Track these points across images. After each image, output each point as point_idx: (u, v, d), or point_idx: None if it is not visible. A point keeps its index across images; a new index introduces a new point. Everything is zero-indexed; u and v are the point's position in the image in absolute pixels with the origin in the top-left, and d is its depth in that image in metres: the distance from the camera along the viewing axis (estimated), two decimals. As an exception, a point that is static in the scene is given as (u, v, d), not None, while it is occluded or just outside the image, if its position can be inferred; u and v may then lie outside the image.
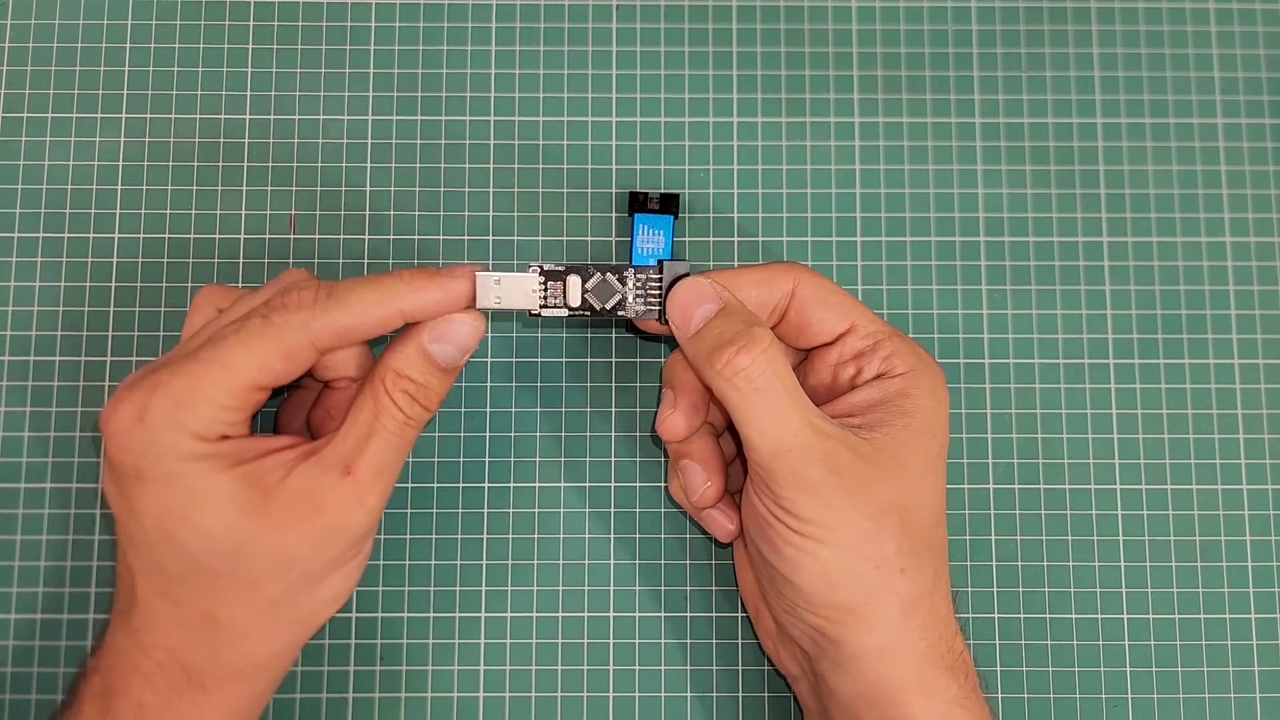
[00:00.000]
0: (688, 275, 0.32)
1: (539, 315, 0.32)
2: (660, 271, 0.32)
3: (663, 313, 0.32)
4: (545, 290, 0.32)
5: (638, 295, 0.32)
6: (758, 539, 0.32)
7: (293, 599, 0.30)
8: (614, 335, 0.39)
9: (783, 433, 0.30)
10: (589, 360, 0.38)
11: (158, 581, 0.30)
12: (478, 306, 0.31)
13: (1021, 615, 0.37)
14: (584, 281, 0.31)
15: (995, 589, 0.37)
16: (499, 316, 0.39)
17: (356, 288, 0.30)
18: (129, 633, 0.30)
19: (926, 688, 0.30)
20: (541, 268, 0.31)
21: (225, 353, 0.29)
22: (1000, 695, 0.37)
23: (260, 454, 0.30)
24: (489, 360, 0.38)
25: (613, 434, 0.38)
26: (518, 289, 0.31)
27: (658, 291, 0.32)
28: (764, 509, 0.31)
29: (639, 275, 0.32)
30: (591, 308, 0.32)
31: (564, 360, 0.38)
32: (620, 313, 0.32)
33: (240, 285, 0.38)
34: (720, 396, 0.31)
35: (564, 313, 0.32)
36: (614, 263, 0.32)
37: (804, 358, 0.35)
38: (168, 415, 0.29)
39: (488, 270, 0.31)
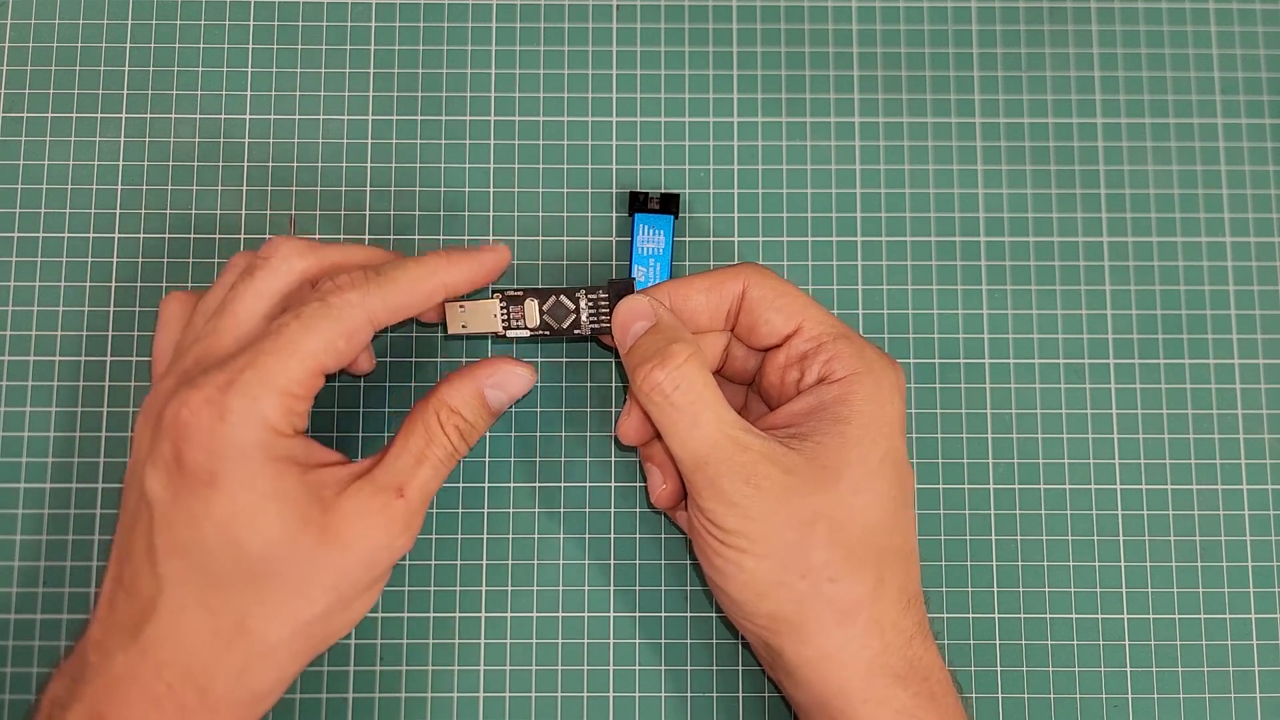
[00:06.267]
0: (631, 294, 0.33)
1: (504, 337, 0.34)
2: (608, 290, 0.34)
3: (602, 332, 0.34)
4: (508, 314, 0.34)
5: (590, 314, 0.34)
6: (696, 549, 0.32)
7: (328, 618, 0.31)
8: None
9: (700, 445, 0.30)
10: (589, 361, 0.38)
11: (197, 589, 0.29)
12: (449, 333, 0.34)
13: (1021, 615, 0.37)
14: (540, 304, 0.34)
15: (995, 589, 0.37)
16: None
17: (402, 264, 0.32)
18: (138, 651, 0.29)
19: (874, 695, 0.30)
20: (503, 293, 0.34)
21: (292, 339, 0.30)
22: (1000, 695, 0.37)
23: (319, 464, 0.31)
24: (489, 360, 0.38)
25: (612, 434, 0.38)
26: (483, 314, 0.34)
27: (608, 309, 0.34)
28: (694, 519, 0.31)
29: (589, 296, 0.34)
30: (550, 327, 0.34)
31: (564, 360, 0.38)
32: (576, 330, 0.34)
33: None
34: (645, 410, 0.31)
35: (525, 334, 0.34)
36: (567, 286, 0.35)
37: (760, 361, 0.35)
38: (248, 411, 0.29)
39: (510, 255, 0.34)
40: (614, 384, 0.38)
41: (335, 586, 0.30)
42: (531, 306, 0.34)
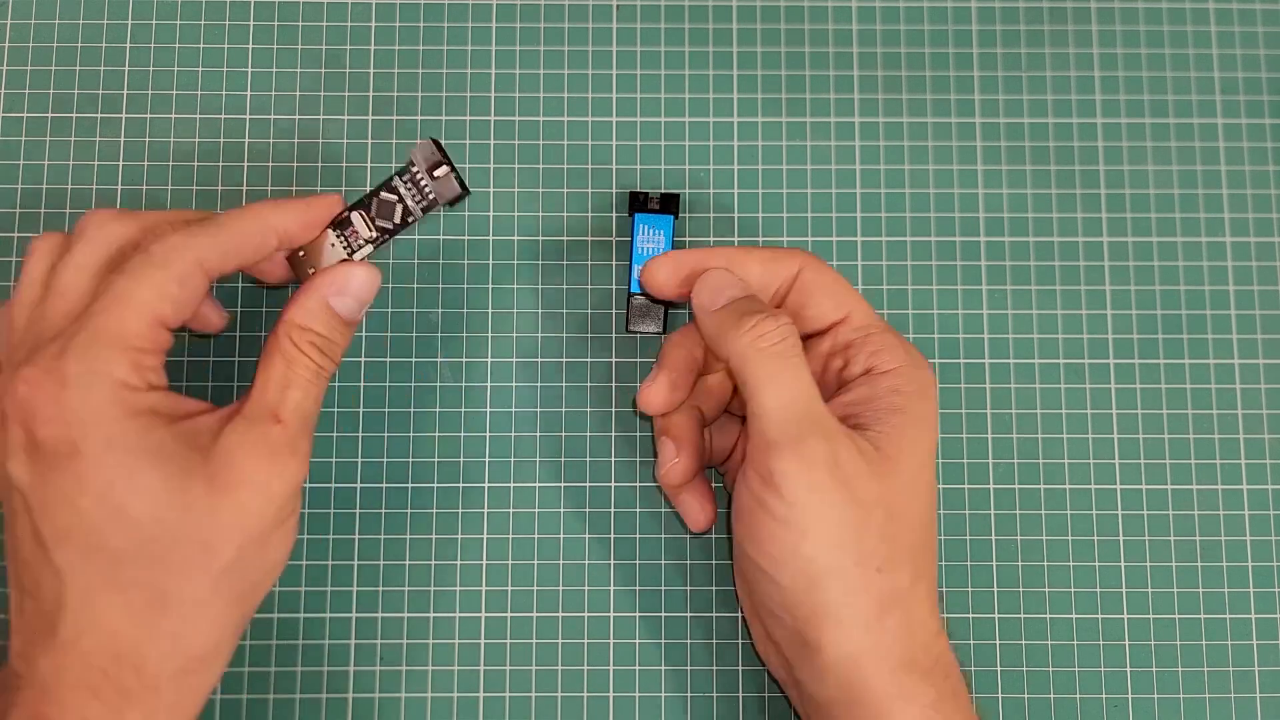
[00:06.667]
0: (449, 167, 0.32)
1: (353, 258, 0.33)
2: (415, 159, 0.33)
3: (433, 204, 0.33)
4: (345, 239, 0.33)
5: (414, 196, 0.33)
6: (744, 535, 0.32)
7: (245, 562, 0.30)
8: (614, 336, 0.39)
9: (798, 398, 0.30)
10: (589, 360, 0.38)
11: (98, 571, 0.28)
12: (301, 282, 0.32)
13: (1021, 615, 0.37)
14: (366, 213, 0.33)
15: (995, 589, 0.37)
16: (502, 319, 0.39)
17: (227, 212, 0.31)
18: (59, 649, 0.28)
19: (904, 691, 0.30)
20: (330, 224, 0.33)
21: (120, 293, 0.29)
22: (1000, 695, 0.37)
23: (186, 415, 0.30)
24: (489, 360, 0.38)
25: (613, 434, 0.38)
26: (320, 250, 0.33)
27: (425, 181, 0.33)
28: (753, 492, 0.31)
29: (403, 179, 0.33)
30: (387, 229, 0.33)
31: (564, 360, 0.38)
32: (410, 219, 0.33)
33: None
34: (739, 362, 0.31)
35: (369, 248, 0.33)
36: (378, 184, 0.33)
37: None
38: (90, 371, 0.28)
39: (343, 199, 0.33)
40: (614, 384, 0.38)
41: (240, 528, 0.29)
42: (359, 219, 0.33)
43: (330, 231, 0.33)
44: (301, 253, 0.33)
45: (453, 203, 0.33)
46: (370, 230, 0.33)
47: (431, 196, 0.33)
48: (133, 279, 0.29)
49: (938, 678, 0.31)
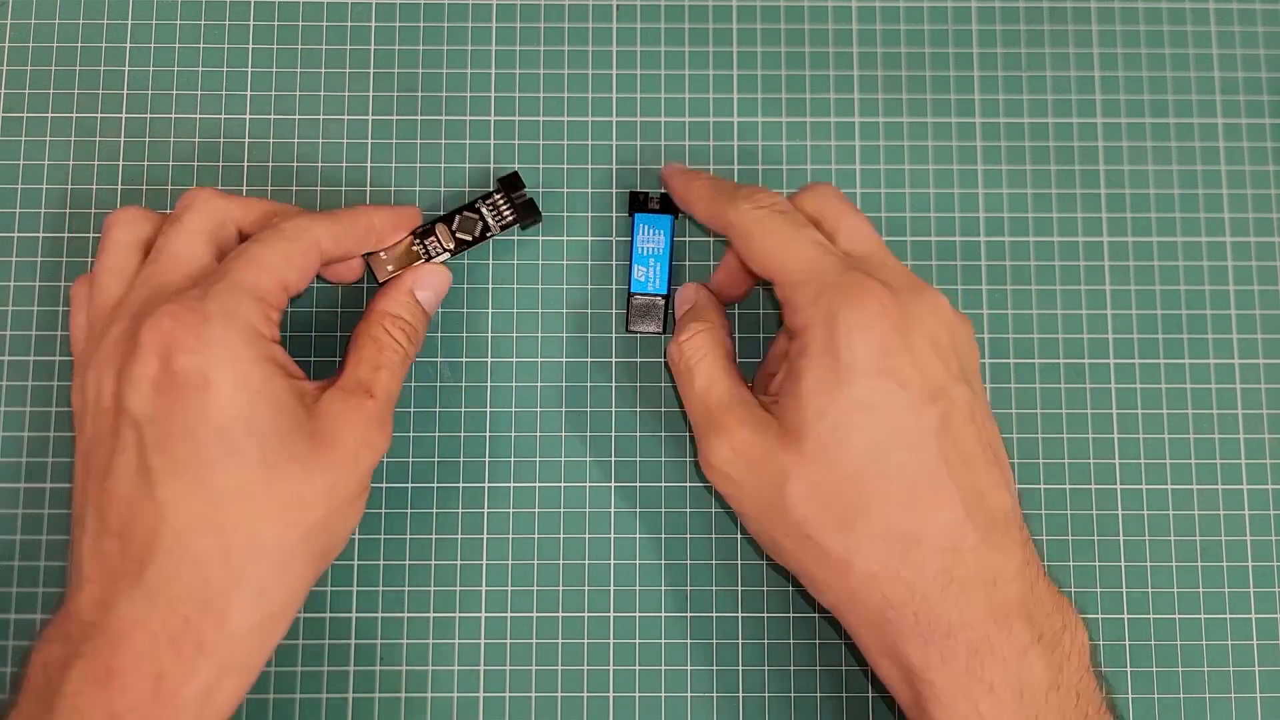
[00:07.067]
0: (523, 185, 0.37)
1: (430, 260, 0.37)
2: (499, 190, 0.37)
3: (510, 224, 0.37)
4: (424, 246, 0.37)
5: (494, 216, 0.37)
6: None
7: (329, 524, 0.31)
8: (614, 335, 0.39)
9: (702, 400, 0.34)
10: (589, 360, 0.38)
11: (200, 508, 0.29)
12: (379, 281, 0.36)
13: (1021, 615, 0.37)
14: (449, 226, 0.37)
15: (995, 589, 0.37)
16: (502, 319, 0.39)
17: (338, 208, 0.36)
18: (145, 592, 0.28)
19: (881, 657, 0.32)
20: (411, 234, 0.37)
21: (255, 255, 0.32)
22: (1000, 695, 0.37)
23: (294, 374, 0.32)
24: (489, 360, 0.38)
25: (613, 434, 0.38)
26: (403, 253, 0.36)
27: (507, 206, 0.37)
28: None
29: (487, 203, 0.37)
30: (466, 241, 0.37)
31: (564, 360, 0.38)
32: (488, 234, 0.37)
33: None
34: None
35: (447, 255, 0.37)
36: (463, 204, 0.38)
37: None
38: (230, 313, 0.30)
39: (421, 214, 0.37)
40: (613, 384, 0.38)
41: (331, 489, 0.31)
42: (443, 230, 0.37)
43: (411, 237, 0.36)
44: (383, 254, 0.36)
45: (526, 225, 0.38)
46: (449, 241, 0.37)
47: (511, 218, 0.37)
48: (265, 245, 0.32)
49: (936, 639, 0.29)
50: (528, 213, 0.37)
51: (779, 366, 0.34)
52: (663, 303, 0.38)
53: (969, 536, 0.30)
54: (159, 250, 0.32)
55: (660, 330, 0.38)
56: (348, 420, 0.31)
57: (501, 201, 0.37)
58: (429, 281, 0.36)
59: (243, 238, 0.34)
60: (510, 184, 0.37)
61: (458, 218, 0.37)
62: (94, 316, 0.33)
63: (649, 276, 0.38)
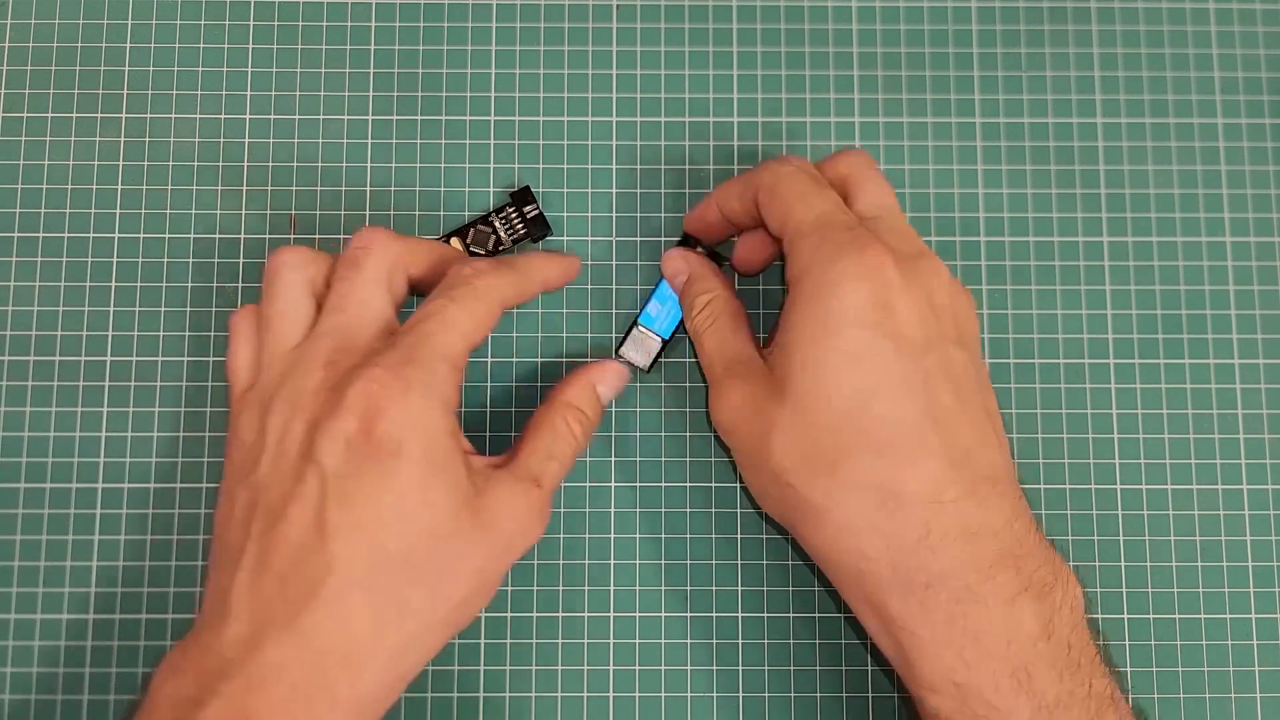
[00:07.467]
0: (537, 209, 0.38)
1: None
2: (512, 202, 0.38)
3: (522, 238, 0.38)
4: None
5: (506, 230, 0.38)
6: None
7: (469, 603, 0.31)
8: (613, 336, 0.39)
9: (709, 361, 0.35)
10: (589, 360, 0.38)
11: (364, 569, 0.29)
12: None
13: (1021, 615, 0.37)
14: (463, 239, 0.38)
15: (995, 589, 0.37)
16: (501, 319, 0.39)
17: (517, 258, 0.36)
18: (296, 639, 0.28)
19: (864, 609, 0.32)
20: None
21: (453, 318, 0.32)
22: (1000, 695, 0.37)
23: (467, 448, 0.32)
24: (489, 360, 0.38)
25: (613, 434, 0.38)
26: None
27: (520, 221, 0.38)
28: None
29: (499, 216, 0.38)
30: (479, 253, 0.38)
31: (564, 360, 0.38)
32: (501, 247, 0.38)
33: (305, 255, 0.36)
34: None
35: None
36: (476, 217, 0.38)
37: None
38: (429, 385, 0.30)
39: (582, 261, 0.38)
40: (614, 384, 0.38)
41: (480, 570, 0.31)
42: (457, 243, 0.38)
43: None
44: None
45: (536, 238, 0.38)
46: (464, 252, 0.38)
47: (522, 231, 0.38)
48: (461, 307, 0.32)
49: (917, 589, 0.29)
50: (538, 226, 0.38)
51: None
52: (660, 346, 0.37)
53: (950, 490, 0.30)
54: (343, 297, 0.32)
55: (646, 368, 0.37)
56: (513, 507, 0.32)
57: (514, 215, 0.38)
58: (611, 380, 0.36)
59: (411, 282, 0.34)
60: (522, 198, 0.38)
61: (472, 231, 0.38)
62: (269, 358, 0.32)
63: (660, 315, 0.37)
